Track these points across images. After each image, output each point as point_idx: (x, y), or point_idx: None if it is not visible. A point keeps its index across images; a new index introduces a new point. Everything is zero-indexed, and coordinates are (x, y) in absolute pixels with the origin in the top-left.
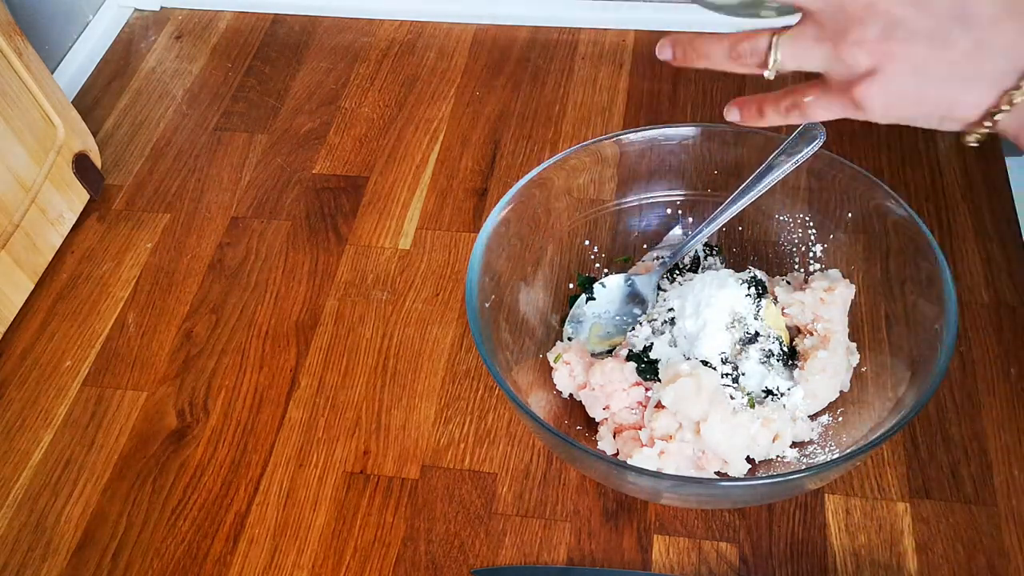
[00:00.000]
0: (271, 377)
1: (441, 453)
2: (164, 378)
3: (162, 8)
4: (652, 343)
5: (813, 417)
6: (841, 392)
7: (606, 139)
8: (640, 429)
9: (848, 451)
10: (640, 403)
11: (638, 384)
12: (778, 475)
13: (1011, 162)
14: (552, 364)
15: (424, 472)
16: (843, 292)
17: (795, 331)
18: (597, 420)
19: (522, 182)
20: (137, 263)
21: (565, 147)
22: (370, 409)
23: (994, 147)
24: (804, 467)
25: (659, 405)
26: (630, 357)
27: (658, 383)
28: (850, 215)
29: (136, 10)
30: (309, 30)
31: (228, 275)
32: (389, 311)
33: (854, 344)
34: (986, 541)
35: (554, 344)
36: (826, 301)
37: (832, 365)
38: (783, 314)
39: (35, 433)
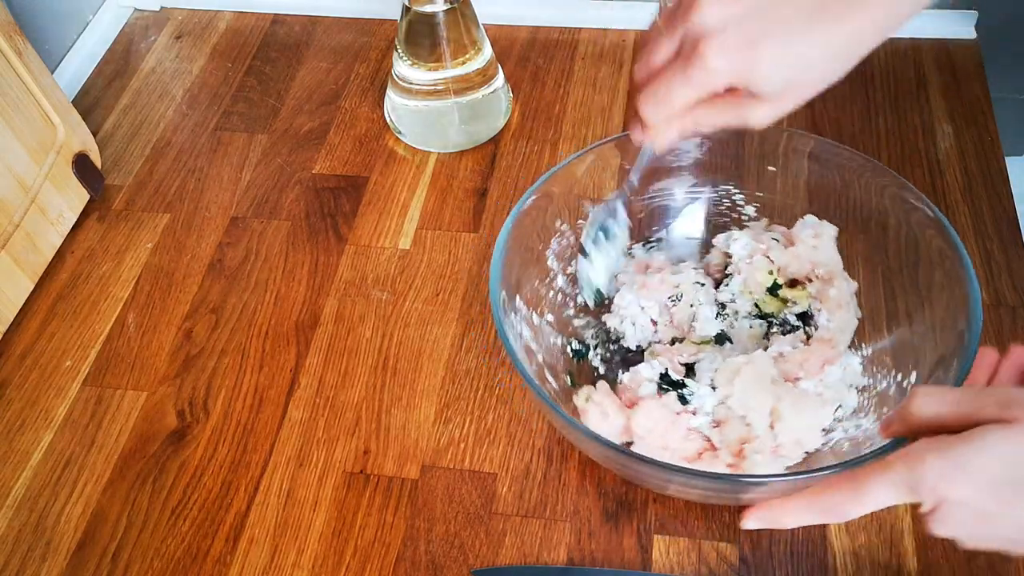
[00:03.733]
0: (271, 377)
1: (441, 453)
2: (164, 378)
3: (162, 8)
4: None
5: None
6: (859, 389)
7: (608, 141)
8: (713, 452)
9: (873, 449)
10: (689, 429)
11: (681, 412)
12: (812, 470)
13: (1011, 162)
14: (582, 406)
15: (424, 472)
16: (828, 231)
17: (792, 283)
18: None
19: (544, 177)
20: (137, 263)
21: (565, 147)
22: (370, 409)
23: (994, 147)
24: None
25: (717, 423)
26: (661, 387)
27: (718, 378)
28: (850, 214)
29: (136, 10)
30: (309, 30)
31: (228, 275)
32: (389, 311)
33: (845, 272)
34: None
35: (570, 344)
36: (817, 247)
37: (845, 297)
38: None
39: (35, 433)
